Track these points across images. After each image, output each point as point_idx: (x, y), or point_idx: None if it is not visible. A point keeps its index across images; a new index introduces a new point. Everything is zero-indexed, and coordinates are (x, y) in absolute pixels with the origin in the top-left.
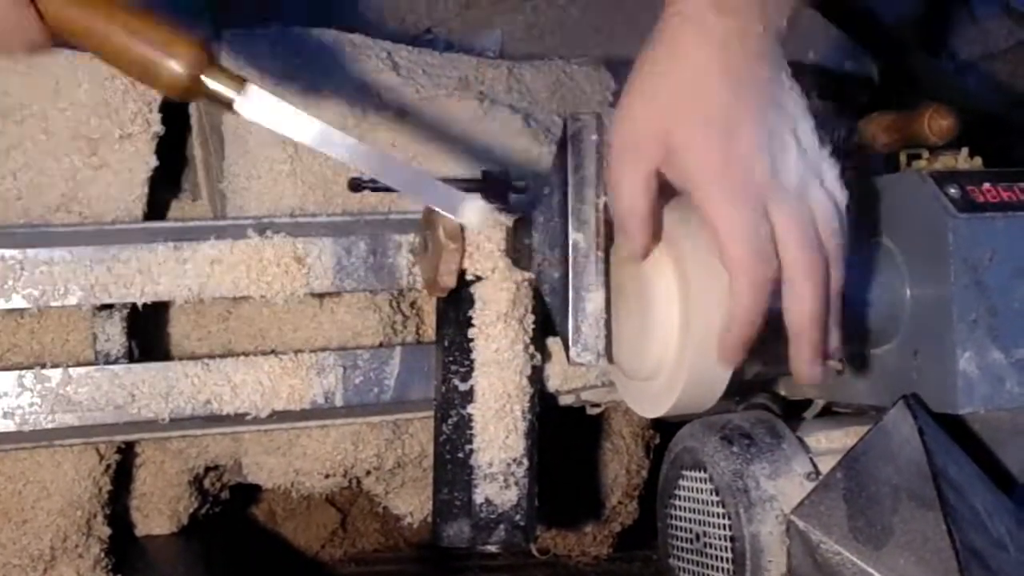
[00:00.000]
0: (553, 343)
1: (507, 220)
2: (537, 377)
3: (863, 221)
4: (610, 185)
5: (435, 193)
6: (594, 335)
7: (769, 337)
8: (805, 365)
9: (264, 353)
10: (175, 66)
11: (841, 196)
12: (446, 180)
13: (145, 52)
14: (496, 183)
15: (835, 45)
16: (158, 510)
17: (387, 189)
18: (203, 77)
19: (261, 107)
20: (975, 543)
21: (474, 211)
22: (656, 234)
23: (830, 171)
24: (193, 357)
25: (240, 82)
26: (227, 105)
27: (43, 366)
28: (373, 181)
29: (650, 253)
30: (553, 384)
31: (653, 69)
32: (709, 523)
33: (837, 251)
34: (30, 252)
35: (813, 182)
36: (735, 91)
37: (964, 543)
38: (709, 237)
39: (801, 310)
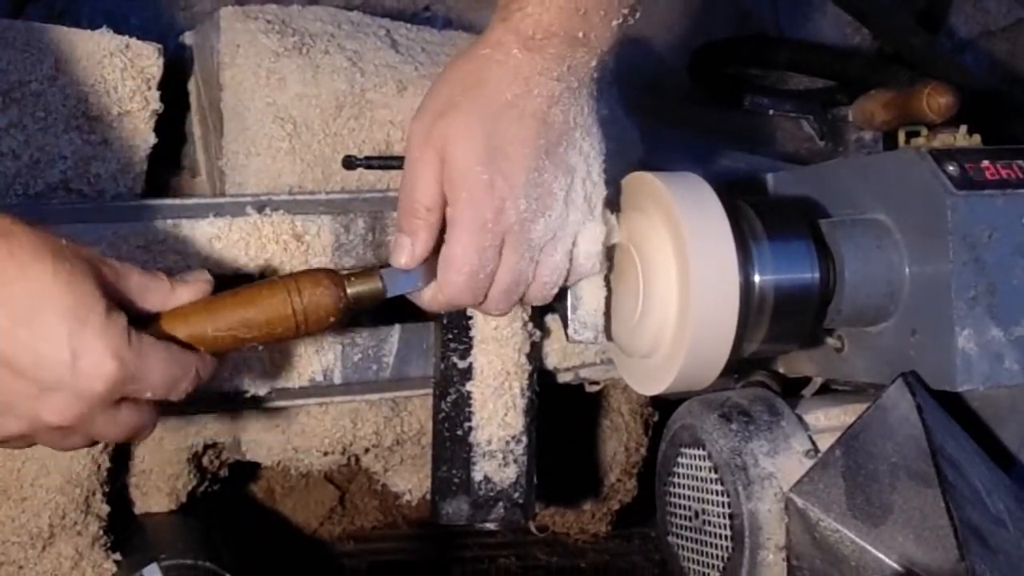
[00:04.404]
0: (552, 320)
1: None
2: (536, 354)
3: (862, 198)
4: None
5: None
6: (592, 313)
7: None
8: None
9: None
10: (324, 307)
11: (588, 254)
12: None
13: (293, 312)
14: None
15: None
16: (157, 488)
17: (381, 167)
18: (349, 292)
19: (397, 277)
20: (974, 520)
21: None
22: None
23: (590, 226)
24: None
25: (371, 273)
26: (381, 296)
27: None
28: (367, 159)
29: (419, 260)
30: (552, 362)
31: (451, 93)
32: (708, 500)
33: (530, 308)
34: None
35: (561, 243)
36: (524, 133)
37: (963, 520)
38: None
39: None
